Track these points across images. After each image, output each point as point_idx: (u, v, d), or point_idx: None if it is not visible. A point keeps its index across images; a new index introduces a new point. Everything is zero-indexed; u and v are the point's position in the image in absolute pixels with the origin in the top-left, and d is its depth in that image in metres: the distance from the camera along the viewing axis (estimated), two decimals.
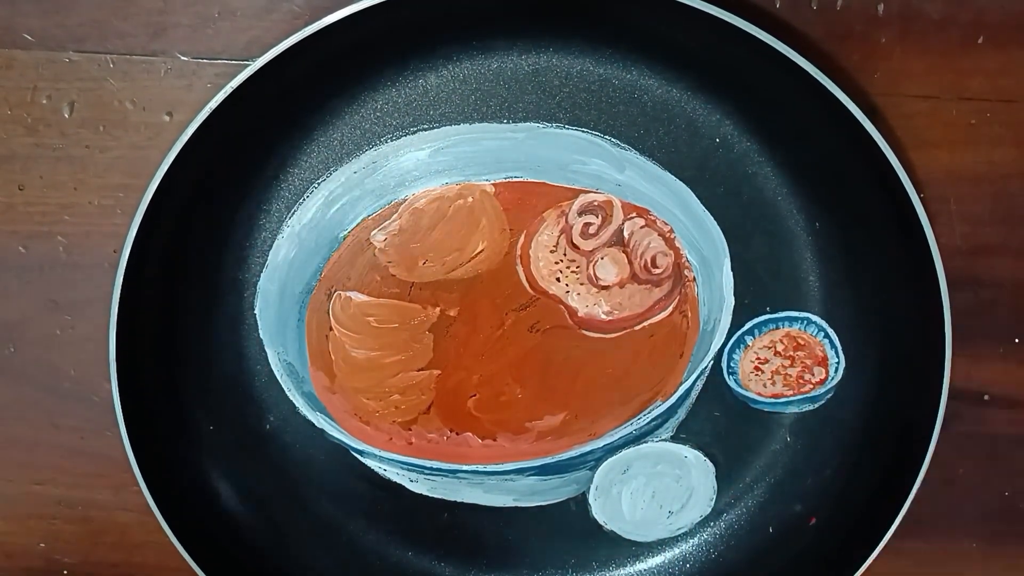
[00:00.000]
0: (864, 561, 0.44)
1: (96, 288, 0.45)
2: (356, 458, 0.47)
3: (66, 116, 0.44)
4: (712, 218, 0.44)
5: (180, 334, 0.45)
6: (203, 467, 0.46)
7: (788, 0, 0.42)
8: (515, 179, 0.44)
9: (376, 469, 0.48)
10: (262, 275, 0.45)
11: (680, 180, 0.44)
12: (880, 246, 0.43)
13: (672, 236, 0.45)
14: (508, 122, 0.44)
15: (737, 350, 0.46)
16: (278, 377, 0.46)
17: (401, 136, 0.44)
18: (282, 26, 0.43)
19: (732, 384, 0.46)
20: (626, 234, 0.45)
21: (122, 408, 0.43)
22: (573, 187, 0.45)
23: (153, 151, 0.44)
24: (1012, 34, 0.43)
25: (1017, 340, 0.47)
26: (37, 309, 0.47)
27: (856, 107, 0.39)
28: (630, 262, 0.45)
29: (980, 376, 0.47)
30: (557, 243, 0.45)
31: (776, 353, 0.46)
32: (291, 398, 0.46)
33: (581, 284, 0.45)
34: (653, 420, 0.46)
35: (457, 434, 0.47)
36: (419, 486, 0.48)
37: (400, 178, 0.44)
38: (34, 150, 0.45)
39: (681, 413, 0.47)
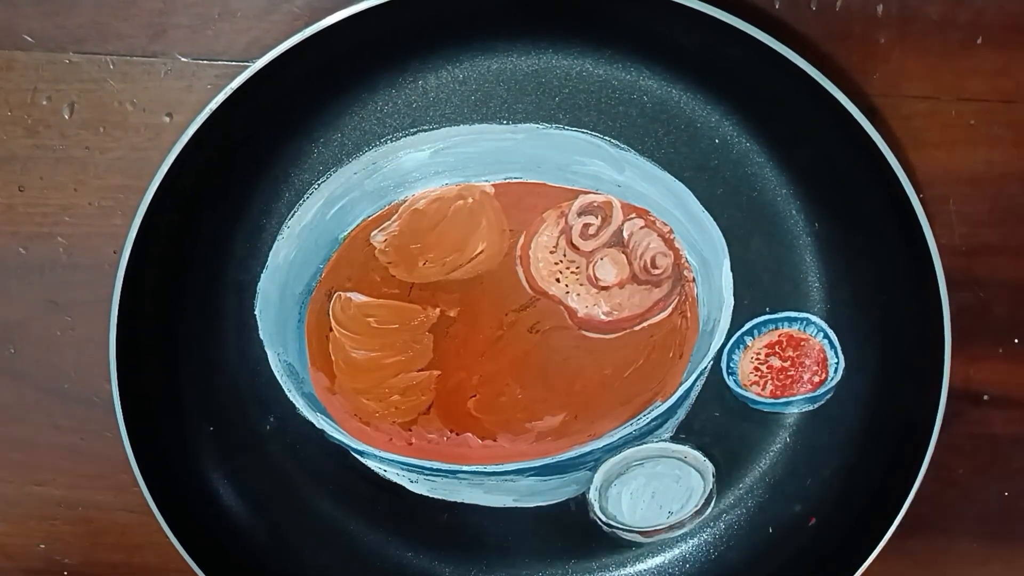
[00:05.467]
0: (864, 561, 0.44)
1: (96, 289, 0.45)
2: (356, 459, 0.47)
3: (66, 117, 0.44)
4: (711, 219, 0.44)
5: (180, 335, 0.45)
6: (203, 468, 0.46)
7: (787, 1, 0.42)
8: (515, 180, 0.45)
9: (376, 470, 0.48)
10: (262, 276, 0.45)
11: (679, 181, 0.44)
12: (880, 246, 0.43)
13: (672, 237, 0.45)
14: (508, 123, 0.44)
15: (737, 350, 0.46)
16: (278, 378, 0.46)
17: (401, 137, 0.44)
18: (282, 27, 0.43)
19: (732, 384, 0.46)
20: (626, 235, 0.45)
21: (122, 409, 0.43)
22: (573, 188, 0.45)
23: (153, 152, 0.44)
24: (1011, 35, 0.43)
25: (1017, 340, 0.47)
26: (37, 310, 0.47)
27: (855, 108, 0.39)
28: (630, 263, 0.45)
29: (980, 376, 0.47)
30: (557, 244, 0.45)
31: (776, 353, 0.46)
32: (291, 399, 0.46)
33: (581, 285, 0.45)
34: (653, 420, 0.46)
35: (457, 434, 0.47)
36: (419, 486, 0.48)
37: (400, 179, 0.44)
38: (34, 151, 0.45)
39: (681, 413, 0.47)
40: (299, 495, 0.48)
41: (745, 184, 0.44)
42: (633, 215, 0.45)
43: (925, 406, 0.43)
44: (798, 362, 0.46)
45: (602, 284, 0.45)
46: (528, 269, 0.45)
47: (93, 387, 0.48)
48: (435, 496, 0.48)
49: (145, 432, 0.44)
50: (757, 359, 0.46)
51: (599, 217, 0.45)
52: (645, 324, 0.46)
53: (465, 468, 0.47)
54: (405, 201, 0.45)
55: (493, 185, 0.45)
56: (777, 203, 0.44)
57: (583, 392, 0.46)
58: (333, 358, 0.46)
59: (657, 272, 0.45)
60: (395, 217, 0.45)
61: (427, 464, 0.47)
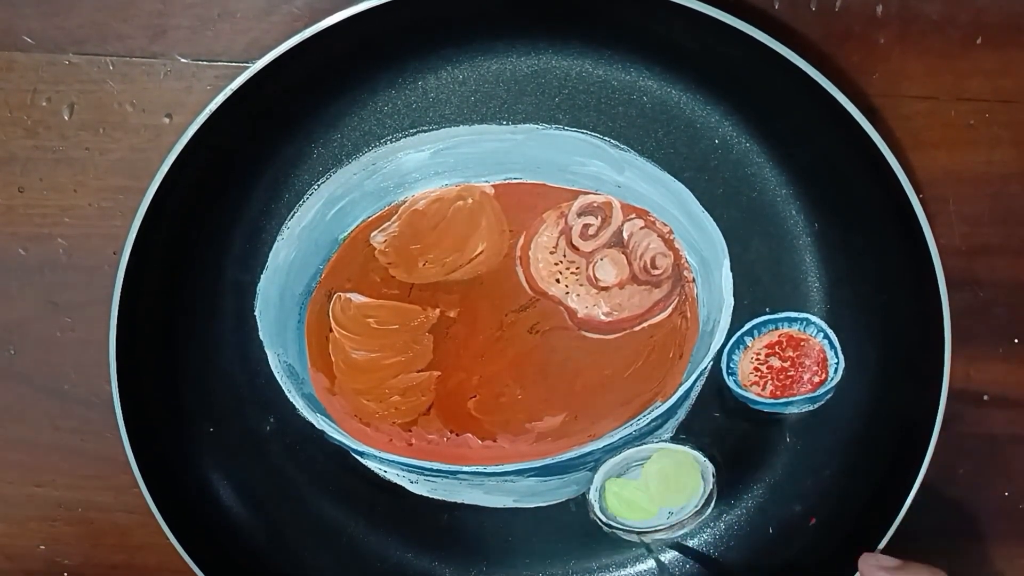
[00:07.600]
0: None
1: (96, 290, 0.45)
2: (356, 459, 0.47)
3: (66, 118, 0.44)
4: (711, 219, 0.44)
5: (180, 336, 0.45)
6: (203, 469, 0.46)
7: (787, 1, 0.42)
8: (515, 180, 0.45)
9: (376, 470, 0.48)
10: (262, 277, 0.45)
11: (679, 181, 0.44)
12: (880, 246, 0.43)
13: (671, 237, 0.45)
14: (508, 123, 0.44)
15: (737, 351, 0.46)
16: (278, 379, 0.46)
17: (401, 138, 0.44)
18: (282, 28, 0.43)
19: (732, 385, 0.46)
20: (625, 235, 0.45)
21: (122, 410, 0.43)
22: (573, 188, 0.45)
23: (153, 153, 0.44)
24: (1011, 35, 0.43)
25: (1017, 340, 0.47)
26: (37, 311, 0.47)
27: (855, 108, 0.39)
28: (629, 263, 0.45)
29: (980, 376, 0.47)
30: (557, 244, 0.45)
31: (776, 354, 0.46)
32: (291, 400, 0.46)
33: (581, 285, 0.45)
34: (653, 421, 0.46)
35: (457, 435, 0.47)
36: (419, 487, 0.48)
37: (400, 180, 0.44)
38: (34, 152, 0.45)
39: (681, 414, 0.47)
40: (299, 495, 0.48)
41: (745, 184, 0.44)
42: (633, 215, 0.45)
43: (925, 406, 0.43)
44: (798, 362, 0.46)
45: (602, 284, 0.45)
46: (528, 270, 0.45)
47: (93, 387, 0.48)
48: (435, 497, 0.48)
49: (145, 432, 0.44)
50: (757, 359, 0.46)
51: (599, 217, 0.45)
52: (645, 324, 0.46)
53: (465, 469, 0.47)
54: (405, 202, 0.45)
55: (493, 186, 0.45)
56: (777, 203, 0.44)
57: (583, 392, 0.46)
58: (333, 359, 0.46)
59: (657, 272, 0.45)
60: (395, 218, 0.45)
61: (427, 465, 0.47)
